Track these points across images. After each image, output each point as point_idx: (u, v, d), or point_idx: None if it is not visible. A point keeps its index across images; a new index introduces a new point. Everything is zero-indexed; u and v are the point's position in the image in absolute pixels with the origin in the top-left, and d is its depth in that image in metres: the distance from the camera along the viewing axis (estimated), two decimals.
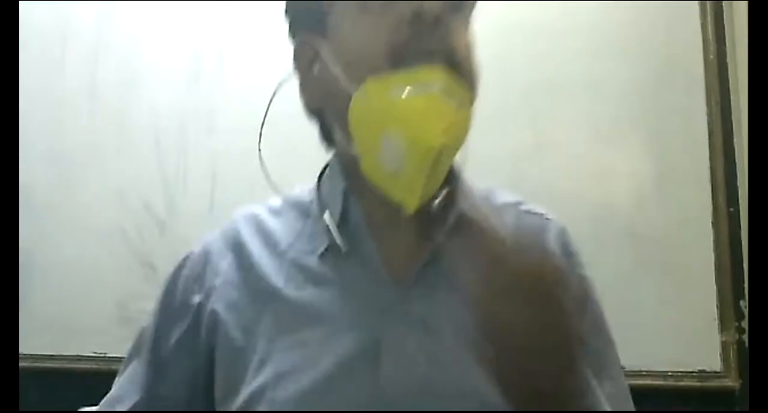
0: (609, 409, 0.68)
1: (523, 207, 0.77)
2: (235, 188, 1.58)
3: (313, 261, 0.69)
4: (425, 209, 0.66)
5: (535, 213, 0.77)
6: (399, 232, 0.69)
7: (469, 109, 0.66)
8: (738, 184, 1.50)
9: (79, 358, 1.57)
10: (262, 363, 0.66)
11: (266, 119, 0.76)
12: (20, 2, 1.54)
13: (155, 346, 0.73)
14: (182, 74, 1.68)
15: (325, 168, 0.77)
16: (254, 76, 1.64)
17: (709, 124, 1.53)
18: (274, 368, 0.65)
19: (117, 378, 0.75)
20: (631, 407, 0.72)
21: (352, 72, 0.65)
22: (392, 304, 0.66)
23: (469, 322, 0.58)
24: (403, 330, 0.65)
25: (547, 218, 0.77)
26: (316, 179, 0.77)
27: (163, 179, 1.64)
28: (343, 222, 0.70)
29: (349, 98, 0.65)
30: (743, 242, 1.48)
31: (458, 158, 0.70)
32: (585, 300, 0.73)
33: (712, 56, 1.55)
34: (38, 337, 1.56)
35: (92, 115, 1.68)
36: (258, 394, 0.64)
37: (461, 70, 0.65)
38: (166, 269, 0.77)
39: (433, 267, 0.68)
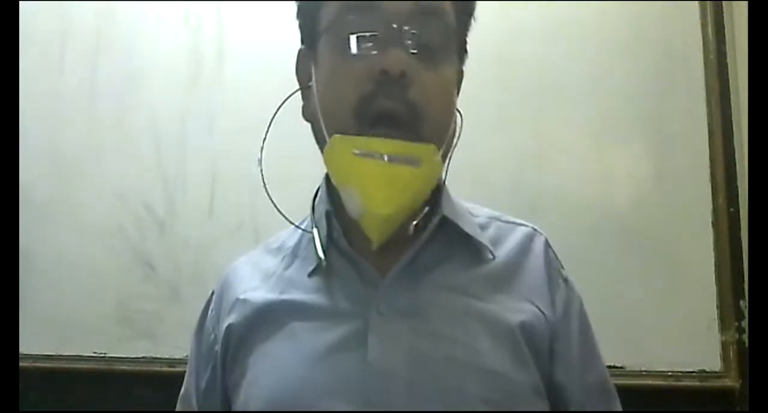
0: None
1: (505, 218, 0.82)
2: (235, 188, 1.58)
3: (304, 277, 0.75)
4: (405, 226, 0.71)
5: (519, 223, 0.81)
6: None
7: (432, 160, 0.69)
8: (738, 184, 1.50)
9: (79, 358, 1.57)
10: (260, 357, 0.72)
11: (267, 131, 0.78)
12: (20, 2, 1.54)
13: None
14: (182, 74, 1.68)
15: (317, 192, 0.81)
16: (254, 77, 1.64)
17: (709, 124, 1.53)
18: (269, 358, 0.71)
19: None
20: (614, 392, 0.77)
21: (328, 121, 0.71)
22: (377, 298, 0.70)
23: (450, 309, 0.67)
24: (387, 315, 0.69)
25: (532, 227, 0.81)
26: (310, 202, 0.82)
27: (163, 179, 1.64)
28: (330, 242, 0.75)
29: (325, 141, 0.71)
30: (743, 242, 1.48)
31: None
32: (572, 301, 0.78)
33: (712, 56, 1.55)
34: (38, 337, 1.56)
35: (92, 115, 1.68)
36: (252, 384, 0.70)
37: (424, 126, 0.68)
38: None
39: (415, 265, 0.73)
